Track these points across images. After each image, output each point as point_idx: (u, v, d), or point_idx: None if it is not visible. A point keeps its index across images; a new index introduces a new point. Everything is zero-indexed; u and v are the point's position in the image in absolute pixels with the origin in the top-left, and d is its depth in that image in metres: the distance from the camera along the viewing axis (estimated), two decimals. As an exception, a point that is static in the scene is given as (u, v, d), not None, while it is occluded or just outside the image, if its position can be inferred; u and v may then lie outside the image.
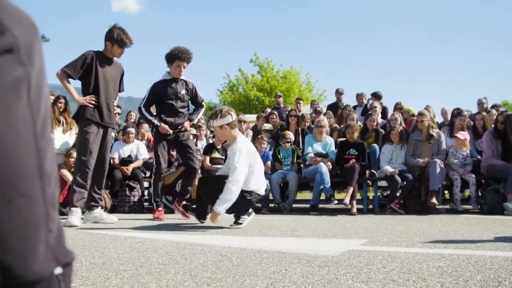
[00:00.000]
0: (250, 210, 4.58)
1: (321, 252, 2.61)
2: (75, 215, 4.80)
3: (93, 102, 4.98)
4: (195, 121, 6.13)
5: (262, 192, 4.51)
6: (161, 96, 5.54)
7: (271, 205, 7.98)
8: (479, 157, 7.12)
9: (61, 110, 7.78)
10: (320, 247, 2.84)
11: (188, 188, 5.81)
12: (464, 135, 7.00)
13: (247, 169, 4.26)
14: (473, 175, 6.71)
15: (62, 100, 7.81)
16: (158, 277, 1.94)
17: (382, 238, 3.33)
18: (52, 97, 8.14)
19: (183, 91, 5.65)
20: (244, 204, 4.34)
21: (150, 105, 5.66)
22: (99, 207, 5.21)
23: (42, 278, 0.67)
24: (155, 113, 5.69)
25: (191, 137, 5.94)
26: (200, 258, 2.44)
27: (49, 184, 0.71)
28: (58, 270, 0.70)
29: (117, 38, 5.05)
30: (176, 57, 5.47)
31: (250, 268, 2.12)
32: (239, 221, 4.42)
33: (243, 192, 4.21)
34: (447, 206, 7.01)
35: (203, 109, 6.02)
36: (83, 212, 5.09)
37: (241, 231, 4.03)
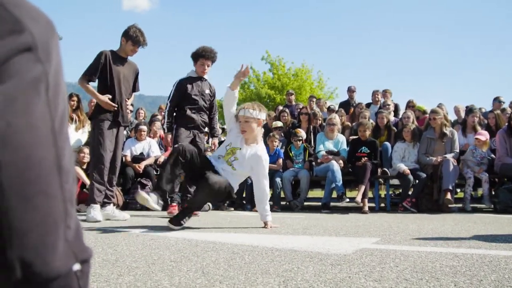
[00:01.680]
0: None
1: (333, 250, 2.61)
2: (97, 210, 4.94)
3: (115, 107, 5.06)
4: (219, 134, 6.29)
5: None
6: (187, 92, 5.61)
7: (283, 203, 7.97)
8: (492, 155, 7.06)
9: (74, 108, 7.85)
10: (332, 245, 2.84)
11: (189, 188, 5.80)
12: (485, 135, 6.93)
13: None
14: (486, 174, 6.66)
15: (75, 98, 7.89)
16: (170, 275, 1.95)
17: (395, 237, 3.32)
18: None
19: (207, 91, 5.78)
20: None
21: (176, 102, 5.68)
22: (111, 204, 5.26)
23: (61, 274, 0.68)
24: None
25: (204, 141, 6.02)
26: (212, 255, 2.45)
27: (67, 181, 0.72)
28: (76, 267, 0.71)
29: (132, 35, 5.14)
30: (201, 55, 5.62)
31: (262, 266, 2.12)
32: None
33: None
34: (460, 205, 6.95)
35: (217, 117, 6.14)
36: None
37: (252, 229, 4.03)
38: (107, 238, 3.28)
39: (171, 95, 5.68)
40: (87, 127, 8.05)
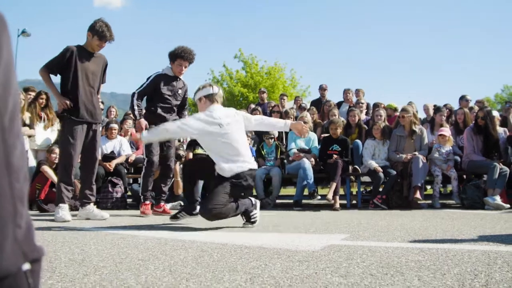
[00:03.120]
0: (253, 200, 4.20)
1: (302, 247, 2.63)
2: (65, 210, 4.85)
3: (69, 105, 4.93)
4: None
5: (245, 167, 3.94)
6: (160, 89, 5.48)
7: (255, 200, 7.97)
8: (460, 152, 7.21)
9: (43, 106, 7.70)
10: (301, 242, 2.85)
11: (163, 187, 5.75)
12: (448, 132, 7.07)
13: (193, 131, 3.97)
14: (455, 171, 6.80)
15: (44, 96, 7.72)
16: (137, 273, 1.93)
17: (363, 233, 3.36)
18: (33, 93, 8.05)
19: (180, 91, 5.69)
20: (237, 193, 3.95)
21: (145, 94, 5.55)
22: (91, 204, 5.19)
23: (9, 273, 0.66)
24: (146, 107, 5.65)
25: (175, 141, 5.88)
26: (181, 254, 2.44)
27: (18, 180, 0.70)
28: (26, 266, 0.69)
29: (98, 30, 5.01)
30: (179, 56, 5.47)
31: (230, 264, 2.12)
32: (251, 219, 4.08)
33: (229, 181, 3.86)
34: (429, 201, 7.07)
35: (187, 113, 6.00)
36: (75, 209, 5.06)
37: (223, 227, 4.02)
38: (76, 238, 3.23)
39: (144, 85, 5.51)
40: (56, 125, 7.90)
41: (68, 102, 4.94)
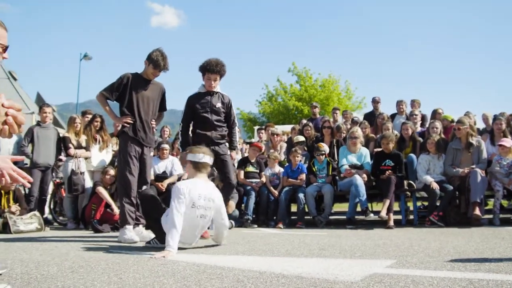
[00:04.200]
0: None
1: (342, 276, 2.50)
2: (131, 231, 5.01)
3: (129, 121, 5.14)
4: (238, 146, 6.11)
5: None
6: (196, 110, 5.36)
7: (307, 217, 7.86)
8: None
9: (98, 128, 7.97)
10: (343, 270, 2.73)
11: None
12: (509, 142, 6.66)
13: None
14: (517, 185, 6.40)
15: (98, 119, 8.00)
16: (163, 309, 1.89)
17: (411, 258, 3.18)
18: (90, 116, 8.36)
19: (219, 104, 5.42)
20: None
21: (189, 120, 5.51)
22: (140, 225, 5.29)
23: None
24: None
25: (228, 152, 5.68)
26: (214, 284, 2.38)
27: None
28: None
29: (154, 58, 5.21)
30: (205, 69, 5.31)
31: (261, 298, 2.04)
32: None
33: None
34: (490, 216, 6.67)
35: (237, 129, 5.82)
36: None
37: (268, 250, 3.95)
38: (118, 263, 3.24)
39: (183, 112, 5.51)
40: (111, 147, 8.15)
41: (129, 118, 5.17)
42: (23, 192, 7.83)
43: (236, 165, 8.18)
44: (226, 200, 5.76)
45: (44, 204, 7.87)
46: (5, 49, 2.48)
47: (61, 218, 8.62)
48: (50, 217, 8.50)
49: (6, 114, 1.59)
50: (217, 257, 3.52)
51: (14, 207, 6.90)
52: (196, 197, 3.99)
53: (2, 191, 6.97)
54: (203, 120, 5.39)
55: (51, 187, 8.41)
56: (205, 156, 4.24)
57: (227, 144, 5.63)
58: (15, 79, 35.15)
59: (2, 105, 1.61)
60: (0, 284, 2.10)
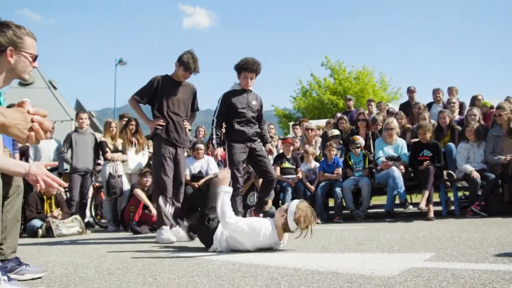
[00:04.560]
0: None
1: (378, 271, 2.44)
2: (168, 232, 5.08)
3: (162, 123, 5.19)
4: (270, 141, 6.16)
5: None
6: (234, 106, 5.45)
7: (345, 212, 7.76)
8: None
9: (133, 131, 8.09)
10: (379, 265, 2.66)
11: (265, 199, 5.75)
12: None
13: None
14: None
15: (133, 122, 8.12)
16: (195, 310, 1.88)
17: (452, 251, 3.07)
18: (125, 120, 8.50)
19: (254, 102, 5.58)
20: None
21: (224, 116, 5.57)
22: (177, 226, 5.34)
23: None
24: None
25: (263, 148, 5.73)
26: (248, 283, 2.35)
27: None
28: None
29: (184, 61, 5.24)
30: (242, 68, 5.42)
31: (295, 296, 2.00)
32: None
33: None
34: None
35: (266, 127, 5.99)
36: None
37: (304, 246, 3.90)
38: (154, 264, 3.26)
39: (217, 109, 5.56)
40: (147, 149, 8.27)
41: (161, 121, 5.22)
42: (64, 197, 8.04)
43: (272, 161, 8.16)
44: (267, 197, 5.77)
45: (85, 208, 8.06)
46: (34, 58, 2.53)
47: (102, 221, 8.81)
48: (91, 220, 8.70)
49: (32, 121, 1.61)
50: (252, 255, 3.49)
51: (56, 212, 7.08)
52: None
53: (45, 197, 7.17)
54: (240, 116, 5.47)
55: (91, 191, 8.60)
56: None
57: (259, 141, 5.71)
58: (55, 88, 36.20)
59: (28, 112, 1.63)
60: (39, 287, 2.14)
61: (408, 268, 2.50)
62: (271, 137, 8.82)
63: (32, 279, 2.81)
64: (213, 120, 5.58)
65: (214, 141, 5.52)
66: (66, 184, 2.44)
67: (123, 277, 2.72)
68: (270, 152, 5.89)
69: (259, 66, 5.45)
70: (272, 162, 8.05)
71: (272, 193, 7.43)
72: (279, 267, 2.80)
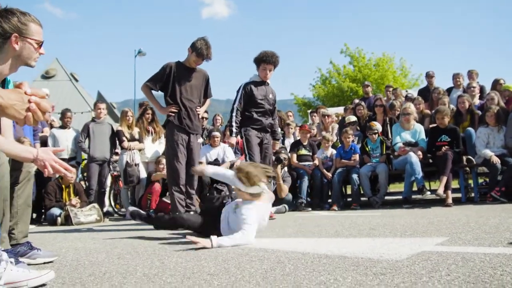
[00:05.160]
0: None
1: (387, 255, 2.39)
2: None
3: (174, 110, 5.19)
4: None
5: None
6: (254, 96, 5.65)
7: (363, 199, 7.70)
8: None
9: (149, 120, 8.13)
10: (389, 249, 2.61)
11: None
12: None
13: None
14: None
15: (149, 111, 8.15)
16: (197, 292, 1.86)
17: (466, 235, 3.00)
18: (141, 109, 8.54)
19: (271, 95, 5.81)
20: None
21: (244, 105, 5.70)
22: (192, 212, 5.35)
23: None
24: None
25: (271, 142, 5.96)
26: (253, 266, 2.33)
27: None
28: None
29: (197, 47, 5.23)
30: (262, 60, 5.65)
31: (298, 278, 1.97)
32: None
33: None
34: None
35: (276, 120, 6.16)
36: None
37: (316, 232, 3.87)
38: (165, 249, 3.27)
39: (239, 97, 5.70)
40: (163, 137, 8.30)
41: (173, 107, 5.23)
42: (83, 185, 8.14)
43: (288, 148, 8.14)
44: None
45: (103, 196, 8.14)
46: (40, 44, 2.54)
47: (122, 210, 8.90)
48: (110, 209, 8.79)
49: (29, 101, 1.60)
50: (263, 240, 3.47)
51: (75, 200, 7.17)
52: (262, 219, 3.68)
53: (63, 185, 7.26)
54: (259, 107, 5.67)
55: (109, 180, 8.68)
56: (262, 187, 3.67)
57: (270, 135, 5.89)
58: (76, 80, 36.68)
59: (25, 93, 1.62)
60: (45, 269, 2.16)
61: (418, 252, 2.45)
62: (288, 124, 8.79)
63: (44, 263, 2.84)
64: (233, 108, 5.71)
65: (233, 129, 5.63)
66: (73, 169, 2.45)
67: (132, 261, 2.73)
68: (273, 147, 6.12)
69: (277, 58, 5.66)
70: (288, 149, 8.04)
71: (289, 179, 7.41)
72: (288, 252, 2.77)
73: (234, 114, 5.68)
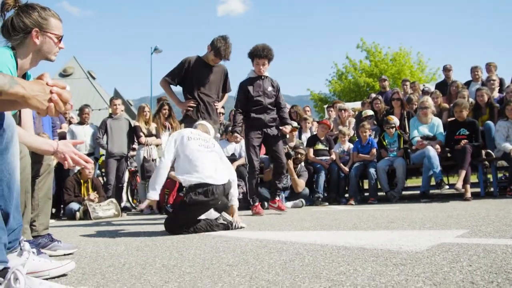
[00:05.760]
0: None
1: (406, 247, 2.37)
2: None
3: (192, 104, 5.22)
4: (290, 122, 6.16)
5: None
6: (249, 94, 5.60)
7: (380, 193, 7.65)
8: None
9: (166, 116, 8.16)
10: (408, 241, 2.59)
11: (277, 184, 5.77)
12: None
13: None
14: None
15: (166, 107, 8.18)
16: (216, 281, 1.86)
17: (486, 228, 2.97)
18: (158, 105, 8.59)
19: (270, 88, 5.71)
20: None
21: (243, 104, 5.71)
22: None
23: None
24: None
25: (279, 133, 5.87)
26: (272, 258, 2.34)
27: None
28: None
29: (216, 46, 5.24)
30: (254, 55, 5.61)
31: (317, 269, 1.97)
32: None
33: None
34: None
35: (286, 111, 6.12)
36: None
37: (334, 225, 3.85)
38: (183, 242, 3.29)
39: (237, 99, 5.76)
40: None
41: (191, 102, 5.28)
42: (101, 181, 8.22)
43: (305, 143, 8.13)
44: (279, 177, 5.77)
45: (121, 191, 8.21)
46: (60, 39, 2.56)
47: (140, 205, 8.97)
48: (128, 204, 8.87)
49: (51, 92, 1.62)
50: (281, 233, 3.48)
51: (93, 195, 7.24)
52: (188, 133, 4.07)
53: (82, 180, 7.34)
54: (257, 104, 5.62)
55: (127, 175, 8.75)
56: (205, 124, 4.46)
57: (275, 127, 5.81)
58: (93, 77, 37.05)
59: (47, 84, 1.64)
60: (65, 260, 2.19)
61: (438, 243, 2.43)
62: (305, 118, 8.77)
63: (64, 254, 2.89)
64: (234, 110, 5.84)
65: (236, 128, 5.64)
66: (92, 161, 2.51)
67: (150, 253, 2.75)
68: (283, 132, 5.84)
69: (270, 51, 5.59)
70: (305, 144, 8.02)
71: (306, 174, 7.41)
72: (306, 244, 2.77)
73: (233, 114, 5.80)
